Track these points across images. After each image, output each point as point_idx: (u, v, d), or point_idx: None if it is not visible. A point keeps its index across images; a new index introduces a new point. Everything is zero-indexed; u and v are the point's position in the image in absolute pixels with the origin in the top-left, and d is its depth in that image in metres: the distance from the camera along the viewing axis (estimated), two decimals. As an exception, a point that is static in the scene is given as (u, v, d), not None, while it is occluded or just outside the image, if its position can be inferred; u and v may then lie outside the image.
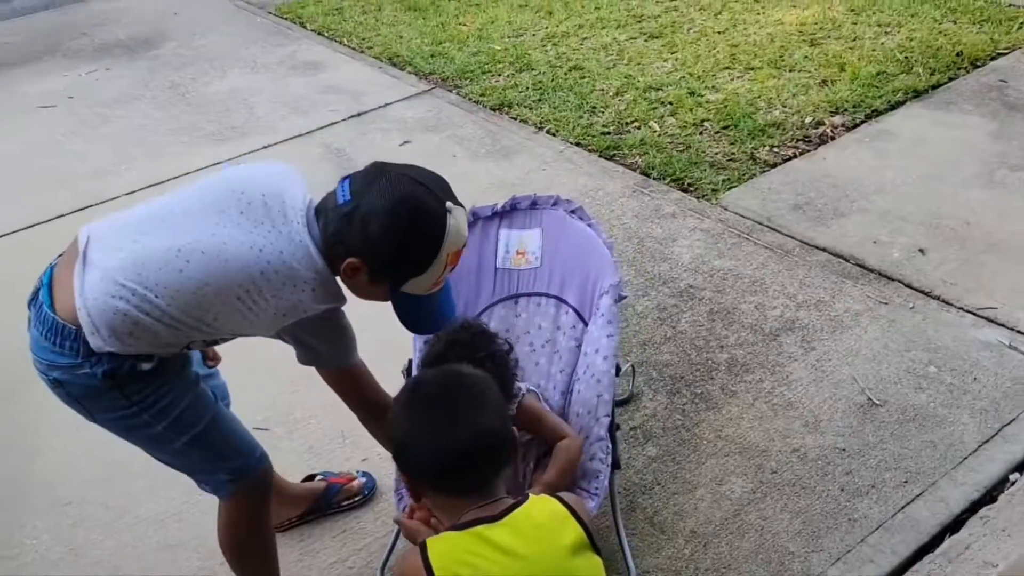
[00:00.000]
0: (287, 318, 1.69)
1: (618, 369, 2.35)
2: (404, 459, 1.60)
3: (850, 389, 2.70)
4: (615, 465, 2.27)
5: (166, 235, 1.67)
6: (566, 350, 2.45)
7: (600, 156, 4.14)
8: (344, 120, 4.73)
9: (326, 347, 1.78)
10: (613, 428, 2.28)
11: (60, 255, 1.78)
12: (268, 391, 2.83)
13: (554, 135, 4.35)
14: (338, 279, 1.74)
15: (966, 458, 2.44)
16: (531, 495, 1.63)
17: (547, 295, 2.50)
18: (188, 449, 1.80)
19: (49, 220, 4.03)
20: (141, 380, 1.70)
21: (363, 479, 2.47)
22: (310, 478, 2.48)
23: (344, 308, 1.79)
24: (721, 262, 3.32)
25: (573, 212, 2.56)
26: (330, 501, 2.42)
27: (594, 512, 2.11)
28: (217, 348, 2.10)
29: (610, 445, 2.21)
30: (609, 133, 4.30)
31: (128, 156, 4.57)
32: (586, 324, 2.44)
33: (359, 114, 4.77)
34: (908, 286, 3.10)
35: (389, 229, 1.67)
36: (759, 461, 2.48)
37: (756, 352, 2.88)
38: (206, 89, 5.25)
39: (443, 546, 1.53)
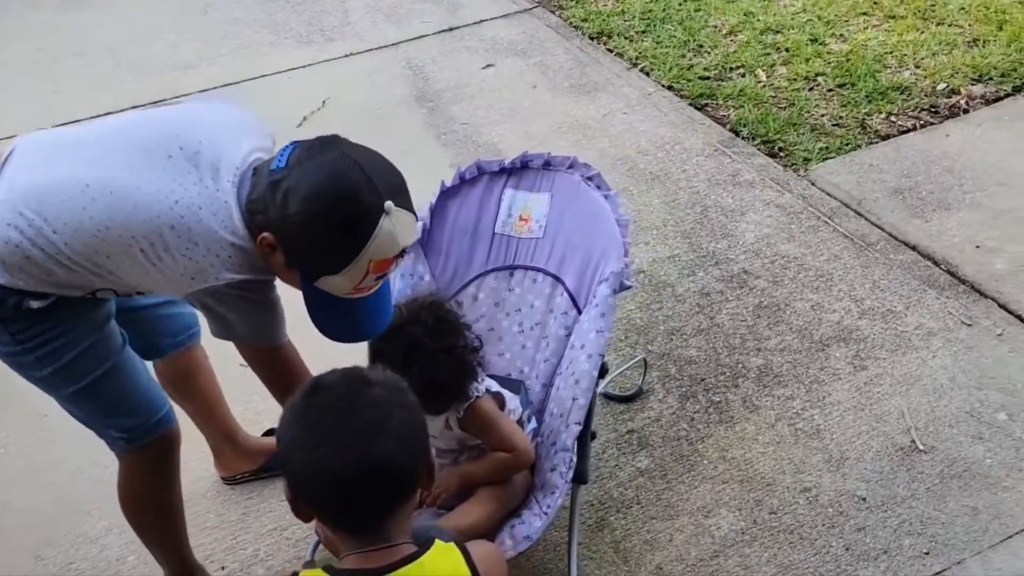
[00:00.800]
0: (195, 282, 1.51)
1: (603, 370, 2.06)
2: (286, 471, 1.37)
3: (894, 425, 2.30)
4: (579, 479, 2.01)
5: (82, 164, 1.52)
6: (555, 338, 2.17)
7: (691, 104, 3.71)
8: (434, 34, 4.45)
9: (242, 322, 1.59)
10: (586, 437, 2.01)
11: None
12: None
13: (647, 74, 3.93)
14: None
15: (1011, 537, 2.02)
16: (437, 542, 1.38)
17: (544, 271, 2.22)
18: (76, 399, 1.68)
19: (123, 110, 4.00)
20: (28, 318, 1.57)
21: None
22: (271, 432, 2.34)
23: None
24: (788, 247, 2.90)
25: (590, 180, 2.24)
26: (286, 460, 2.27)
27: (537, 535, 1.85)
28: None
29: (574, 459, 1.94)
30: (708, 78, 3.84)
31: (214, 51, 4.47)
32: (580, 312, 2.14)
33: (451, 29, 4.47)
34: (1003, 307, 2.61)
35: (307, 211, 1.46)
36: (760, 496, 2.15)
37: (796, 362, 2.50)
38: (309, -15, 5.06)
39: None
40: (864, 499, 2.13)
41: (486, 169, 2.29)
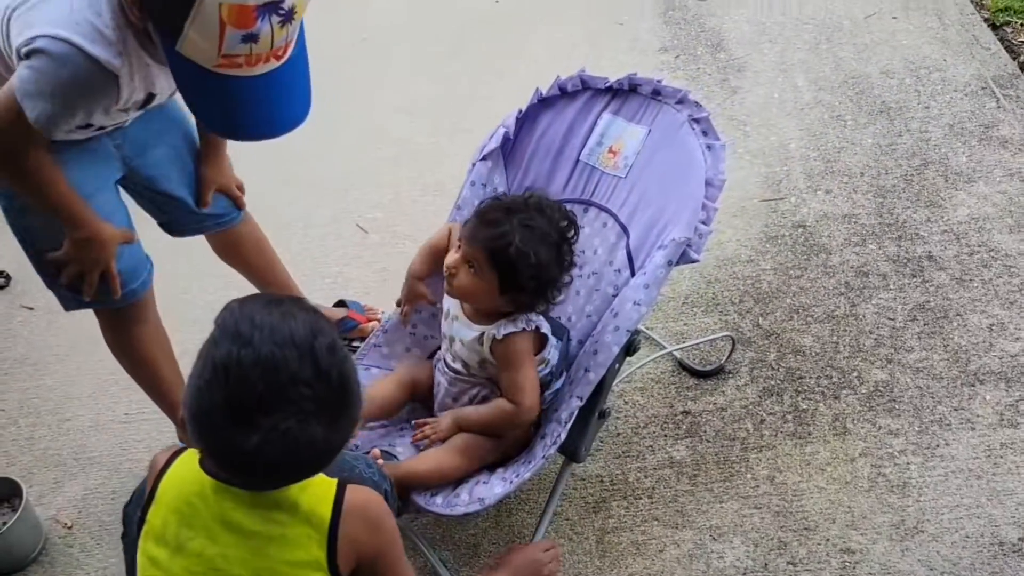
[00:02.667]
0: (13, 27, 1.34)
1: (633, 348, 1.80)
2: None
3: (1008, 511, 1.79)
4: (571, 456, 1.82)
5: None
6: (603, 295, 1.92)
7: (987, 20, 2.93)
8: None
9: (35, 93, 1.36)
10: (590, 415, 1.80)
11: None
12: (387, 191, 2.67)
13: (950, -30, 3.14)
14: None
15: None
16: (321, 476, 1.32)
17: (615, 217, 1.93)
18: (31, 258, 1.70)
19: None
20: None
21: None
22: (341, 303, 2.36)
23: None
24: (1005, 239, 2.26)
25: (696, 122, 1.87)
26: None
27: (491, 501, 1.71)
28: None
29: (563, 435, 1.74)
30: (1027, -13, 2.98)
31: None
32: (633, 275, 1.86)
33: None
34: None
35: None
36: (789, 538, 1.81)
37: (929, 391, 2.00)
38: None
39: (186, 471, 1.32)
40: (914, 588, 1.71)
41: (590, 84, 1.99)
